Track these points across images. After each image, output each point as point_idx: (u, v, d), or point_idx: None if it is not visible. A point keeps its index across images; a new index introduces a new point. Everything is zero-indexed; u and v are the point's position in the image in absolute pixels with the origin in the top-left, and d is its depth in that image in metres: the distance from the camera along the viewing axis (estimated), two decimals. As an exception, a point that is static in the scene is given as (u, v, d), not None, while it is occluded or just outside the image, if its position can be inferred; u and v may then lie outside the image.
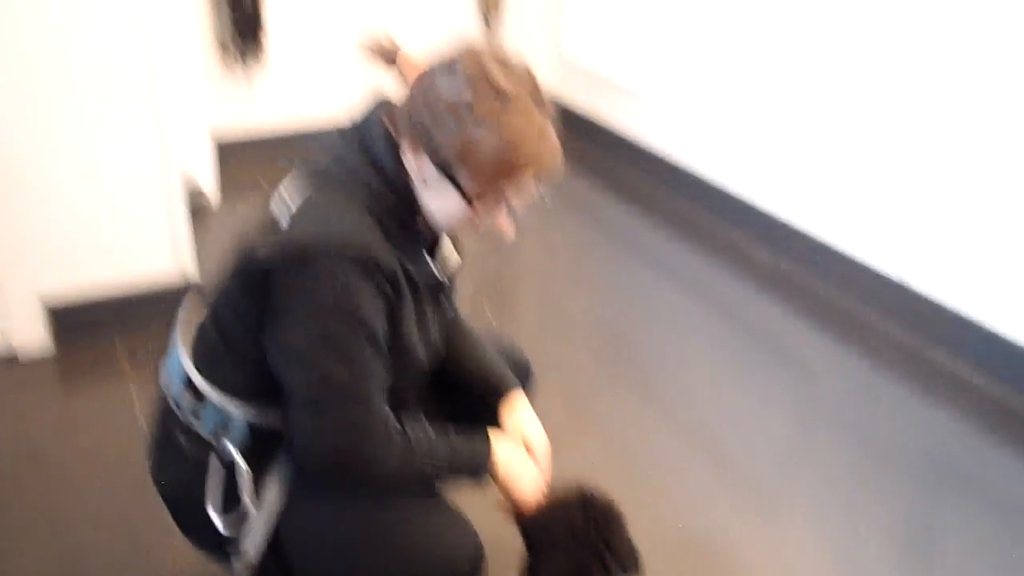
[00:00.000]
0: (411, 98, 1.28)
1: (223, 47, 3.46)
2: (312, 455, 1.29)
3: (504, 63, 1.25)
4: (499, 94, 1.22)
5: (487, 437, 1.42)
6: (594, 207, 3.54)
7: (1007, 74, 2.26)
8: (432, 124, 1.24)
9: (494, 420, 1.53)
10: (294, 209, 1.29)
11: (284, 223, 1.28)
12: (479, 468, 1.40)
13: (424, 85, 1.26)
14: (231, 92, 3.55)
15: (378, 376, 1.29)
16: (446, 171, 1.25)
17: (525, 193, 1.30)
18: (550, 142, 1.27)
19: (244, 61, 3.48)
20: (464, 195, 1.26)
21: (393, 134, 1.30)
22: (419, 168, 1.28)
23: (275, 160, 3.61)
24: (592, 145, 3.92)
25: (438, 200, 1.30)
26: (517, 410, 1.54)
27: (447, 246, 1.46)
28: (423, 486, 1.40)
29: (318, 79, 3.65)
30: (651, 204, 3.49)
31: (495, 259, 3.09)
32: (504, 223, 1.32)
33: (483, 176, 1.25)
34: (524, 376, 1.64)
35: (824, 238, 2.87)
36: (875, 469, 2.15)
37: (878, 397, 2.45)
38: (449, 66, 1.25)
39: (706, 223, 3.32)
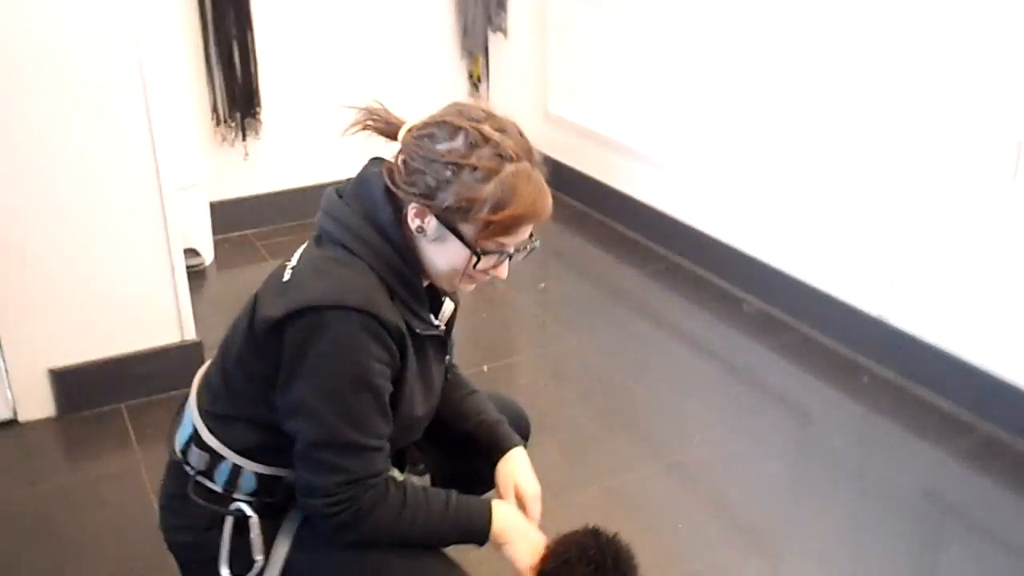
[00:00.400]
0: (410, 157, 1.33)
1: (220, 120, 3.54)
2: (314, 506, 1.33)
3: (494, 119, 1.34)
4: (495, 149, 1.30)
5: (487, 505, 1.44)
6: (585, 259, 3.61)
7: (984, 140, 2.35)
8: (435, 181, 1.30)
9: (492, 474, 1.57)
10: (295, 264, 1.36)
11: (287, 278, 1.35)
12: (477, 536, 1.42)
13: (423, 145, 1.32)
14: (228, 161, 3.63)
15: (380, 434, 1.34)
16: (451, 226, 1.32)
17: (523, 242, 1.37)
18: (545, 192, 1.36)
19: (238, 128, 3.57)
20: (468, 247, 1.32)
21: (393, 192, 1.35)
22: (423, 225, 1.34)
23: (266, 217, 3.73)
24: (581, 199, 4.00)
25: (443, 255, 1.35)
26: (513, 462, 1.57)
27: (445, 297, 1.52)
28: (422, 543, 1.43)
29: (312, 144, 3.73)
30: (641, 255, 3.56)
31: (488, 311, 3.15)
32: (503, 272, 1.39)
33: (487, 228, 1.31)
34: (523, 432, 1.68)
35: (812, 282, 2.94)
36: (873, 510, 2.19)
37: (873, 438, 2.50)
38: (445, 126, 1.32)
39: (696, 272, 3.38)
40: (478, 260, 1.33)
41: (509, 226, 1.32)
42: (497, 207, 1.29)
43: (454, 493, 1.42)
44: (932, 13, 2.41)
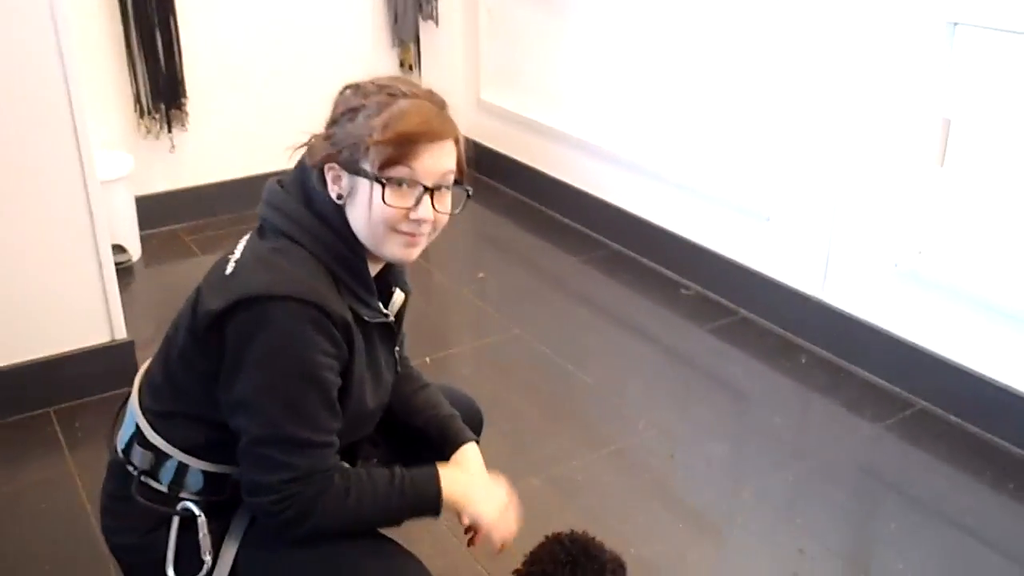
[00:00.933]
0: (324, 128, 1.35)
1: (144, 112, 3.43)
2: (260, 504, 1.30)
3: (406, 82, 1.34)
4: (388, 91, 1.31)
5: (434, 473, 1.41)
6: (522, 248, 3.61)
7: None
8: (337, 133, 1.31)
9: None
10: (238, 256, 1.33)
11: (230, 270, 1.31)
12: (429, 506, 1.39)
13: (331, 112, 1.34)
14: (153, 154, 3.52)
15: (327, 428, 1.31)
16: (354, 168, 1.29)
17: (438, 175, 1.32)
18: (441, 116, 1.32)
19: (163, 120, 3.46)
20: (372, 179, 1.28)
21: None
22: (340, 188, 1.31)
23: (195, 211, 3.64)
24: (515, 187, 3.99)
25: (362, 209, 1.31)
26: (465, 457, 1.54)
27: (394, 284, 1.49)
28: (375, 525, 1.40)
29: (241, 135, 3.64)
30: (578, 242, 3.57)
31: (427, 301, 3.12)
32: (428, 211, 1.32)
33: (382, 153, 1.27)
34: (476, 427, 1.66)
35: (749, 264, 2.98)
36: (815, 487, 2.23)
37: (811, 416, 2.55)
38: (352, 90, 1.34)
39: (634, 257, 3.41)
40: (383, 189, 1.28)
41: (402, 144, 1.27)
42: (385, 127, 1.27)
43: (399, 468, 1.38)
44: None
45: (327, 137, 1.32)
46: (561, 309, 3.15)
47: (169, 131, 3.49)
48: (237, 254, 1.34)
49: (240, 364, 1.27)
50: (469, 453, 1.54)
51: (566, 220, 3.74)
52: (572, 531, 1.42)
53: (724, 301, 3.06)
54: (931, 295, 2.46)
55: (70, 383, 2.45)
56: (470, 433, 1.58)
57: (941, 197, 2.40)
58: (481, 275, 3.33)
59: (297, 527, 1.30)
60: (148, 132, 3.47)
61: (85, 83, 2.32)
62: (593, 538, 1.42)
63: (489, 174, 4.10)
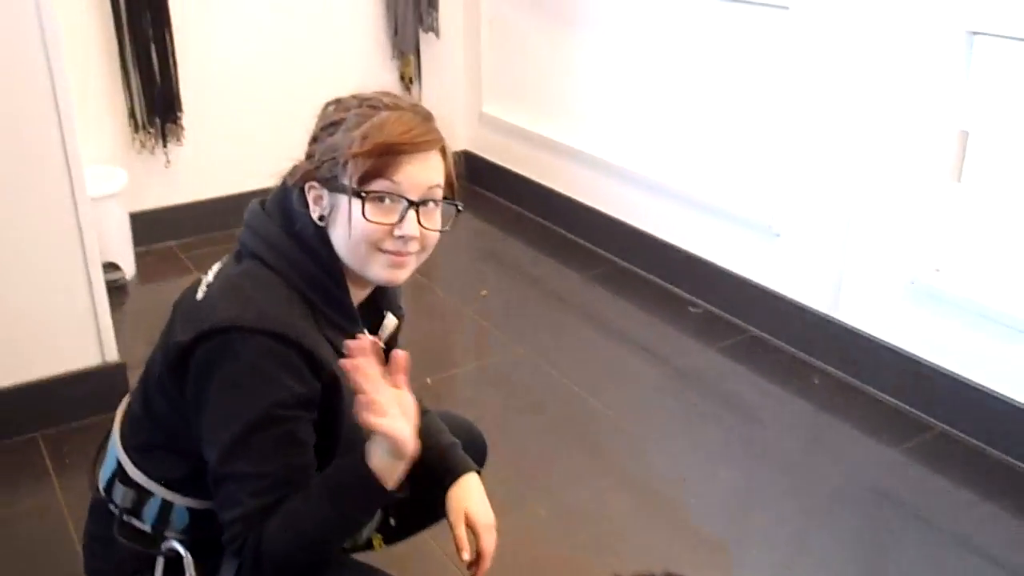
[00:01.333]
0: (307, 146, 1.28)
1: (138, 126, 3.36)
2: (224, 542, 1.21)
3: (390, 96, 1.27)
4: (369, 103, 1.24)
5: (355, 457, 1.20)
6: (525, 264, 3.53)
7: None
8: (316, 149, 1.24)
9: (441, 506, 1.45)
10: (210, 280, 1.25)
11: (200, 296, 1.23)
12: (370, 487, 1.19)
13: (315, 126, 1.28)
14: (148, 169, 3.45)
15: (288, 465, 1.20)
16: (333, 184, 1.22)
17: (423, 189, 1.23)
18: (424, 127, 1.24)
19: (157, 134, 3.39)
20: (351, 193, 1.20)
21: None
22: (322, 209, 1.24)
23: (191, 227, 3.56)
24: (518, 201, 3.92)
25: (343, 227, 1.22)
26: (464, 488, 1.46)
27: (385, 307, 1.40)
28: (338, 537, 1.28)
29: (238, 150, 3.57)
30: (583, 258, 3.49)
31: (429, 320, 3.04)
32: (414, 227, 1.23)
33: (361, 166, 1.19)
34: (479, 456, 1.58)
35: (759, 282, 2.90)
36: (826, 509, 2.15)
37: (822, 437, 2.46)
38: (335, 102, 1.27)
39: (640, 274, 3.33)
40: (364, 204, 1.19)
41: (382, 155, 1.19)
42: (364, 138, 1.19)
43: (321, 476, 1.23)
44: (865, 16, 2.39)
45: (308, 156, 1.25)
46: (566, 328, 3.07)
47: (164, 146, 3.42)
48: (210, 277, 1.27)
49: (202, 396, 1.20)
50: (470, 483, 1.46)
51: (570, 235, 3.66)
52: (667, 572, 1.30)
53: (734, 319, 2.98)
54: (949, 313, 2.38)
55: (59, 407, 2.36)
56: (471, 463, 1.50)
57: (959, 212, 2.32)
58: (484, 292, 3.25)
59: (259, 570, 1.20)
60: (143, 147, 3.39)
61: (77, 97, 2.26)
62: None
63: (491, 188, 4.03)
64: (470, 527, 1.43)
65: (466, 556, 1.37)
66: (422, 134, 1.22)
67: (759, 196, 2.84)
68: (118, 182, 3.17)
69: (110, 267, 3.04)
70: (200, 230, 3.58)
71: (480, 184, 4.03)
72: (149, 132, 3.37)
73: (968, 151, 2.30)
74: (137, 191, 3.36)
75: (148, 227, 3.43)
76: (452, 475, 1.46)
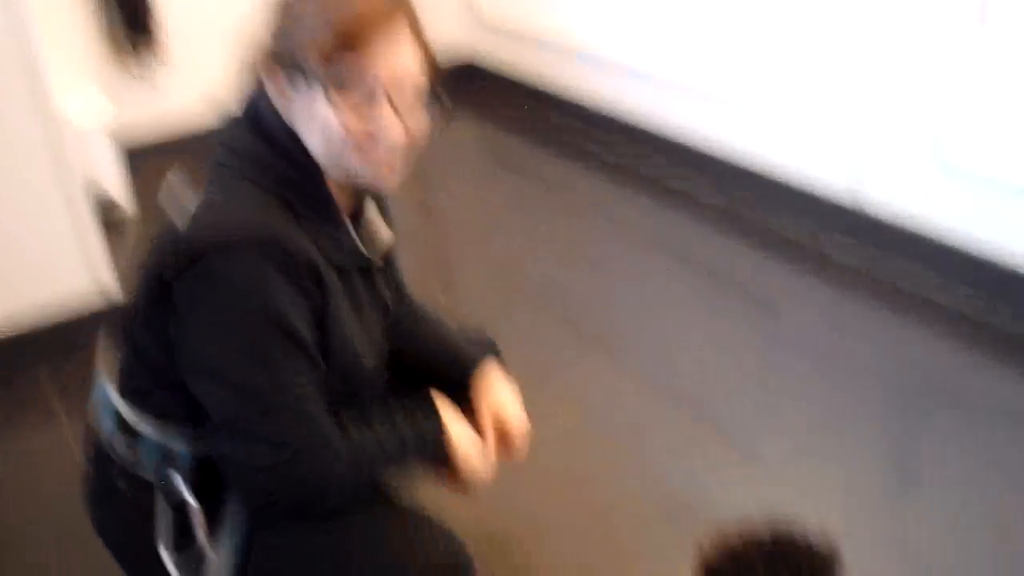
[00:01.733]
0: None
1: (114, 41, 3.21)
2: (245, 487, 1.13)
3: None
4: None
5: (437, 416, 1.27)
6: (533, 166, 3.42)
7: None
8: (279, 37, 1.11)
9: (465, 401, 1.37)
10: (192, 210, 1.12)
11: (181, 226, 1.11)
12: (434, 452, 1.25)
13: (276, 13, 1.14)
14: (130, 91, 3.32)
15: (305, 378, 1.11)
16: (299, 68, 1.08)
17: (404, 81, 1.11)
18: (397, 9, 1.10)
19: (137, 55, 3.24)
20: (325, 90, 1.08)
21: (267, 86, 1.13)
22: (283, 94, 1.11)
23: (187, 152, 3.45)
24: (526, 104, 3.79)
25: (312, 121, 1.10)
26: (492, 389, 1.39)
27: (376, 222, 1.28)
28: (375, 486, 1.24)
29: (224, 67, 3.44)
30: (592, 157, 3.37)
31: (433, 229, 2.95)
32: (395, 124, 1.11)
33: (329, 46, 1.06)
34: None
35: (772, 172, 2.78)
36: (852, 396, 2.06)
37: (844, 323, 2.37)
38: None
39: (651, 170, 3.21)
40: (328, 91, 1.07)
41: (353, 35, 1.06)
42: (326, 16, 1.07)
43: (398, 410, 1.22)
44: None
45: (269, 45, 1.12)
46: (577, 227, 2.97)
47: (139, 58, 3.26)
48: (181, 200, 1.15)
49: (192, 324, 1.09)
50: (491, 377, 1.40)
51: (582, 135, 3.52)
52: (771, 523, 1.17)
53: (749, 210, 2.86)
54: (965, 185, 2.25)
55: (60, 345, 2.30)
56: (483, 352, 1.42)
57: (978, 74, 2.17)
58: (485, 193, 3.15)
59: (284, 502, 1.12)
60: (121, 64, 3.24)
61: (46, 20, 2.13)
62: (793, 532, 1.15)
63: (491, 90, 3.90)
64: (498, 429, 1.37)
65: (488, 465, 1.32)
66: (389, 4, 1.09)
67: (769, 79, 2.70)
68: (103, 115, 3.05)
69: (108, 206, 2.96)
70: (202, 157, 3.49)
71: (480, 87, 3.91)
72: (126, 49, 3.22)
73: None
74: (124, 116, 3.23)
75: (144, 162, 3.30)
76: (467, 370, 1.40)
